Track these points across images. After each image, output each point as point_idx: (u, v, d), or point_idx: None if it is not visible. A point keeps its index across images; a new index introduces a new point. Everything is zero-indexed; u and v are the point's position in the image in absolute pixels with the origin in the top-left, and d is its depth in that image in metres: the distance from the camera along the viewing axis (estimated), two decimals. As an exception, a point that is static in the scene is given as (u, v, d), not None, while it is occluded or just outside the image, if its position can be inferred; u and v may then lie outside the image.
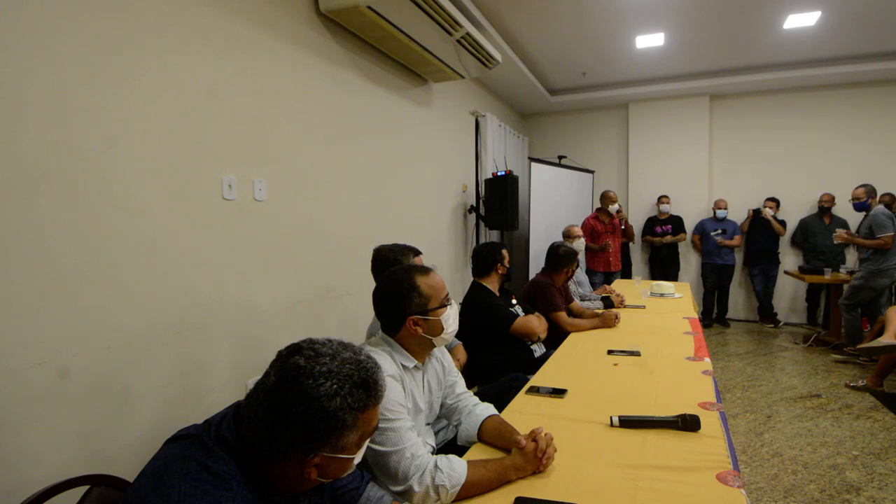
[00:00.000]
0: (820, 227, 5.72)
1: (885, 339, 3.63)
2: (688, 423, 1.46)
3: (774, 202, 5.89)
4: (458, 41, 3.41)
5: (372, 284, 2.11)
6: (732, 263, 5.99)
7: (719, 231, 5.96)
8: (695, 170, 6.44)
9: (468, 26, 3.34)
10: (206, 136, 2.08)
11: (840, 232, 4.60)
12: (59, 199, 1.57)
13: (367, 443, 0.92)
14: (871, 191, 4.47)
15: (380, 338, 1.44)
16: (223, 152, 2.17)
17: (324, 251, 2.82)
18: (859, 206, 4.52)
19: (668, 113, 6.49)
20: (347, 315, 2.92)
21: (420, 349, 1.44)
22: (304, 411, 0.80)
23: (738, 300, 6.31)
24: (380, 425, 1.20)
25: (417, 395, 1.42)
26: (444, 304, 1.43)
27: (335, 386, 0.82)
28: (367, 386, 0.86)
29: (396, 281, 1.41)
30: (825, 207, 5.68)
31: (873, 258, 4.27)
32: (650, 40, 4.82)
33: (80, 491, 1.11)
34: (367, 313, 2.19)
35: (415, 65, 3.62)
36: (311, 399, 0.81)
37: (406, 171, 3.77)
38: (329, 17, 2.79)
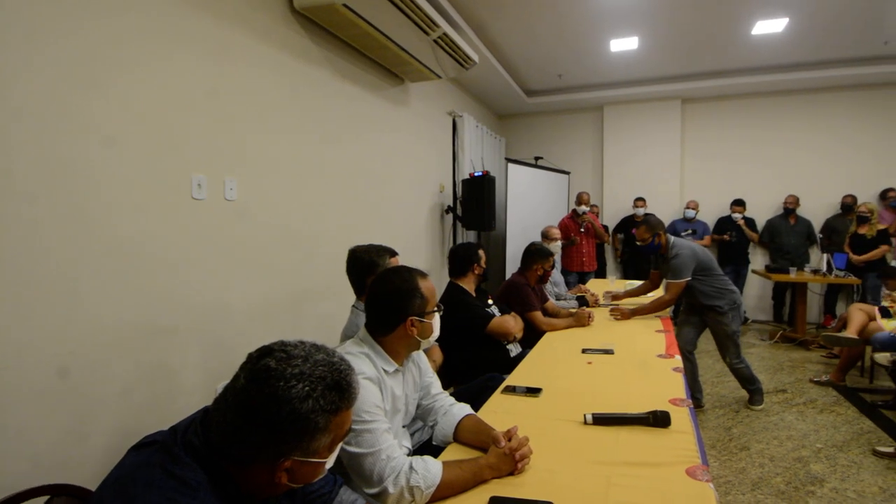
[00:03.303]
0: (785, 227, 5.91)
1: (846, 334, 3.78)
2: (658, 420, 1.49)
3: (741, 205, 6.07)
4: (436, 41, 3.41)
5: (347, 286, 2.11)
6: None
7: (690, 231, 6.10)
8: (667, 171, 6.59)
9: (445, 26, 3.34)
10: (176, 134, 2.03)
11: None
12: (20, 198, 1.51)
13: (339, 446, 0.91)
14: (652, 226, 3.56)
15: (360, 339, 1.43)
16: (193, 151, 2.12)
17: (298, 252, 2.78)
18: None
19: (641, 115, 6.62)
20: (323, 317, 2.88)
21: (405, 351, 1.45)
22: (274, 414, 0.79)
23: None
24: (355, 427, 1.19)
25: (396, 396, 1.42)
26: (435, 309, 1.45)
27: (307, 388, 0.81)
28: (340, 388, 0.85)
29: (402, 279, 1.41)
30: (790, 209, 5.88)
31: None
32: (624, 44, 4.91)
33: (40, 502, 1.07)
34: (342, 315, 2.16)
35: (392, 64, 3.60)
36: (282, 401, 0.79)
37: (383, 170, 3.75)
38: (304, 14, 2.76)
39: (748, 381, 3.40)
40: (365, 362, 1.33)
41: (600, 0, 3.95)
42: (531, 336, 2.82)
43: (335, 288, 2.97)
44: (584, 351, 2.40)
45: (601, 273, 6.35)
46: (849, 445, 2.87)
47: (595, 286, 4.62)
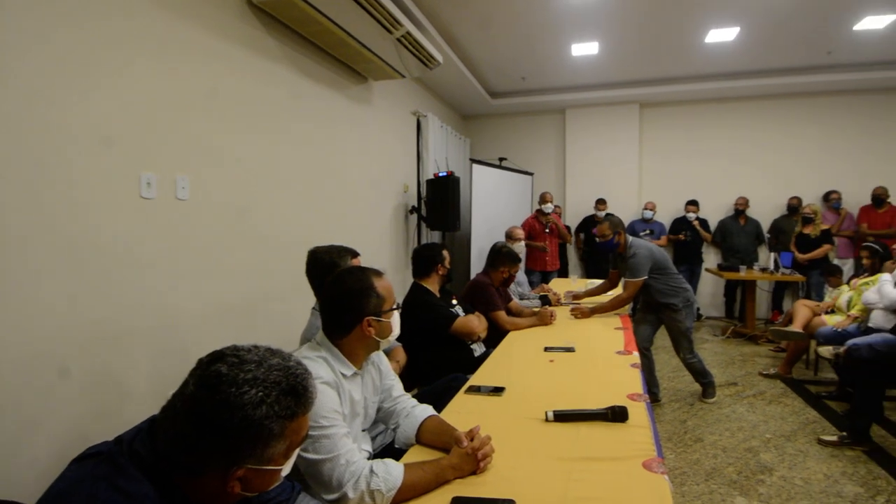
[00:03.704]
0: (736, 227, 6.18)
1: (792, 328, 3.99)
2: (617, 415, 1.53)
3: (695, 205, 6.31)
4: (399, 40, 3.38)
5: (307, 288, 2.06)
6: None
7: (647, 231, 6.30)
8: (626, 173, 6.78)
9: (409, 25, 3.32)
10: (123, 130, 1.94)
11: None
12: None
13: (296, 453, 0.88)
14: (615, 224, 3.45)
15: (317, 343, 1.39)
16: (142, 148, 2.02)
17: (255, 253, 2.70)
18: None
19: (602, 119, 6.79)
20: (281, 320, 2.80)
21: (364, 352, 1.42)
22: (226, 421, 0.76)
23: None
24: (313, 433, 1.17)
25: (355, 400, 1.39)
26: (394, 308, 1.43)
27: (261, 394, 0.78)
28: (295, 393, 0.82)
29: (355, 280, 1.38)
30: (740, 210, 6.16)
31: None
32: (585, 48, 5.02)
33: (-31, 521, 0.99)
34: (302, 318, 2.11)
35: (354, 62, 3.55)
36: (234, 408, 0.76)
37: (345, 169, 3.69)
38: (262, 8, 2.69)
39: (701, 375, 3.53)
40: (322, 366, 1.30)
41: (562, 5, 4.02)
42: (495, 335, 2.84)
43: (294, 290, 2.90)
44: (546, 349, 2.43)
45: (563, 272, 6.47)
46: (796, 435, 3.02)
47: (557, 285, 4.70)
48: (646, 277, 3.26)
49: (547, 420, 1.56)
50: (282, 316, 2.81)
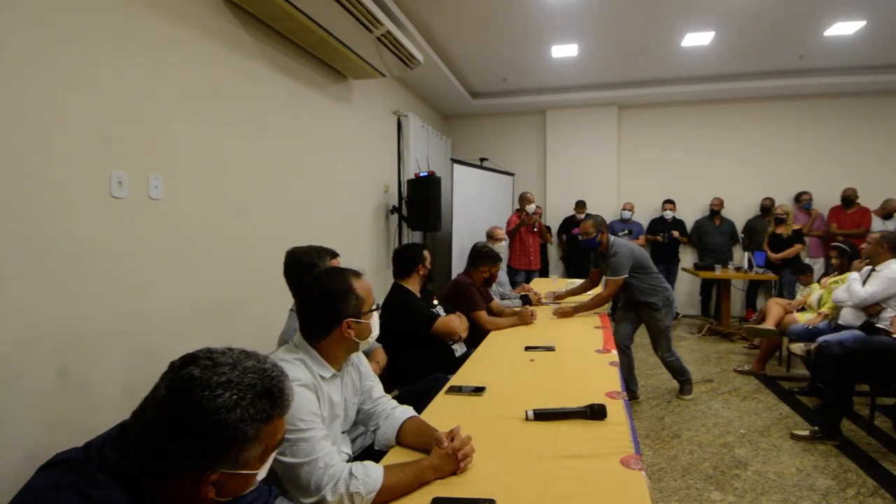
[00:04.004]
0: (711, 227, 6.32)
1: (765, 326, 4.09)
2: (595, 413, 1.54)
3: (671, 203, 6.43)
4: (379, 39, 3.36)
5: (285, 290, 2.03)
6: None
7: (626, 232, 6.39)
8: (605, 174, 6.87)
9: (389, 24, 3.31)
10: (94, 127, 1.88)
11: None
12: None
13: (272, 456, 0.86)
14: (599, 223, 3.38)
15: (294, 345, 1.37)
16: (113, 146, 1.96)
17: (231, 254, 2.65)
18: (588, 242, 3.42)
19: (581, 120, 6.86)
20: (258, 323, 2.75)
21: (343, 354, 1.40)
22: (199, 425, 0.74)
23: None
24: (291, 437, 1.15)
25: (335, 401, 1.37)
26: (373, 309, 1.41)
27: (235, 397, 0.76)
28: (271, 396, 0.81)
29: (333, 281, 1.36)
30: (715, 210, 6.29)
31: None
32: (565, 50, 5.07)
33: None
34: (279, 320, 2.08)
35: (333, 60, 3.52)
36: (207, 412, 0.74)
37: (324, 169, 3.65)
38: (238, 4, 2.64)
39: (678, 372, 3.59)
40: (300, 368, 1.28)
41: (542, 7, 4.05)
42: (476, 335, 2.84)
43: (272, 291, 2.85)
44: (527, 349, 2.44)
45: (544, 272, 6.52)
46: (769, 430, 3.09)
47: (538, 285, 4.73)
48: (626, 276, 3.30)
49: (527, 419, 1.56)
50: (259, 318, 2.76)
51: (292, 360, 1.30)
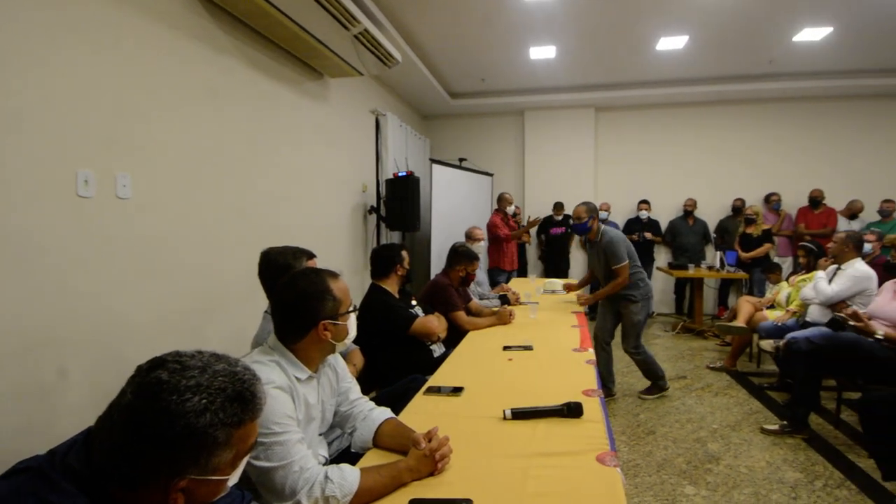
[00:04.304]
0: (685, 227, 6.45)
1: (736, 323, 4.19)
2: (572, 410, 1.55)
3: (646, 203, 6.56)
4: (356, 37, 3.34)
5: (260, 291, 2.00)
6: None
7: (603, 231, 6.47)
8: (582, 174, 6.96)
9: (366, 23, 3.28)
10: (59, 124, 1.82)
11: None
12: None
13: (244, 461, 0.84)
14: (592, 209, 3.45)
15: (269, 347, 1.35)
16: (79, 143, 1.90)
17: (204, 255, 2.59)
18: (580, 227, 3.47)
19: (559, 121, 6.93)
20: (231, 325, 2.70)
21: (320, 356, 1.38)
22: (167, 430, 0.72)
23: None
24: (265, 440, 1.13)
25: (310, 404, 1.35)
26: (350, 310, 1.39)
27: (205, 401, 0.74)
28: (242, 399, 0.79)
29: (310, 283, 1.34)
30: (689, 210, 6.43)
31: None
32: (543, 52, 5.11)
33: None
34: (253, 323, 2.04)
35: (309, 58, 3.48)
36: (175, 416, 0.72)
37: (300, 168, 3.61)
38: (211, 0, 2.59)
39: (647, 371, 3.64)
40: (275, 370, 1.26)
41: (520, 8, 4.07)
42: (455, 336, 2.84)
43: (246, 293, 2.80)
44: (505, 348, 2.45)
45: (522, 272, 6.56)
46: (740, 425, 3.17)
47: (517, 285, 4.76)
48: (628, 262, 3.36)
49: (505, 418, 1.57)
50: (232, 320, 2.71)
51: (267, 361, 1.28)
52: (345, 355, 2.17)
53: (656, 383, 3.64)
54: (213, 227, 2.66)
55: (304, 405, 1.31)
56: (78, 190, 1.89)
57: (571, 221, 3.52)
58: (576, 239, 6.85)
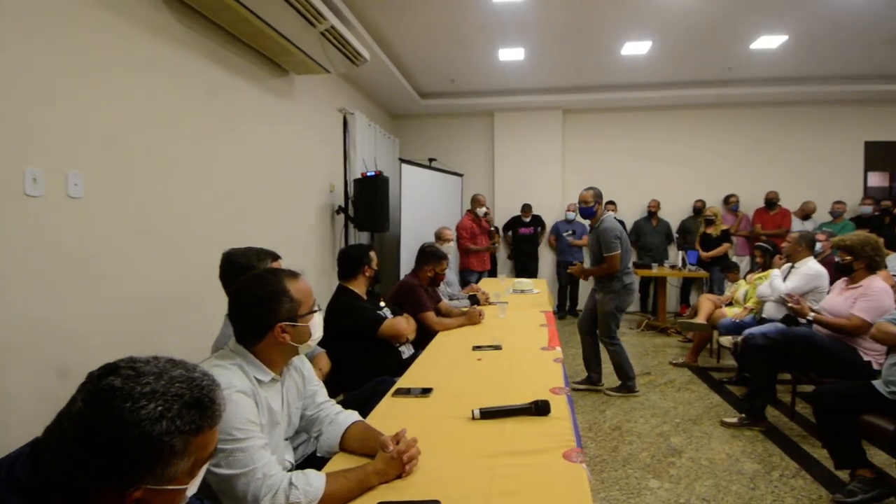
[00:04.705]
0: (649, 228, 6.63)
1: (697, 320, 4.32)
2: (540, 409, 1.57)
3: (613, 204, 6.70)
4: (323, 34, 3.28)
5: (221, 294, 1.93)
6: (581, 261, 6.65)
7: (570, 232, 6.59)
8: (550, 175, 7.06)
9: (333, 20, 3.23)
10: (3, 118, 1.72)
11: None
12: None
13: (203, 470, 0.81)
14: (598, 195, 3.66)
15: (230, 350, 1.30)
16: (27, 139, 1.80)
17: (162, 257, 2.50)
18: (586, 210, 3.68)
19: (528, 123, 7.01)
20: (191, 330, 2.59)
21: (282, 358, 1.34)
22: (120, 439, 0.68)
23: (587, 293, 6.98)
24: (226, 447, 1.09)
25: (274, 408, 1.31)
26: (312, 311, 1.35)
27: (160, 408, 0.71)
28: (201, 406, 0.76)
29: (265, 284, 1.29)
30: (652, 211, 6.61)
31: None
32: (512, 54, 5.16)
33: None
34: (213, 327, 1.98)
35: (274, 54, 3.40)
36: (128, 424, 0.69)
37: (264, 166, 3.52)
38: (170, -8, 2.50)
39: (619, 369, 3.70)
40: (236, 374, 1.22)
41: (489, 9, 4.09)
42: (424, 337, 2.83)
43: (206, 296, 2.71)
44: (474, 348, 2.46)
45: (493, 272, 6.61)
46: (701, 419, 3.27)
47: (487, 285, 4.78)
48: (619, 252, 3.47)
49: (474, 418, 1.57)
50: (192, 324, 2.61)
51: (228, 365, 1.24)
52: (311, 358, 2.13)
53: (625, 383, 3.70)
54: (172, 227, 2.57)
55: (266, 409, 1.27)
56: (26, 188, 1.79)
57: (579, 205, 3.66)
58: (545, 239, 6.94)
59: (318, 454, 1.44)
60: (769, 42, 4.83)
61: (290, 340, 1.30)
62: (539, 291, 4.40)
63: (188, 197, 2.71)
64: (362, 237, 5.23)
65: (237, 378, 1.21)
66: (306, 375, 1.49)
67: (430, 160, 6.79)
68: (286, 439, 1.43)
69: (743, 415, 3.13)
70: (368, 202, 4.69)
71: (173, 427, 0.72)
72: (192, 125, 2.74)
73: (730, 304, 4.51)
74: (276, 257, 2.00)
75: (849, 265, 2.90)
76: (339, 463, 1.33)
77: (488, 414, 1.58)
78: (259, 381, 1.27)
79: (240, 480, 1.09)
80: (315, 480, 1.15)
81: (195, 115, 2.77)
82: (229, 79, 3.10)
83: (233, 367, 1.24)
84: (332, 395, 1.59)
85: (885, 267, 3.87)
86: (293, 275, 1.35)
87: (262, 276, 1.33)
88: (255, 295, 1.28)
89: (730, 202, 6.57)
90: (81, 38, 2.04)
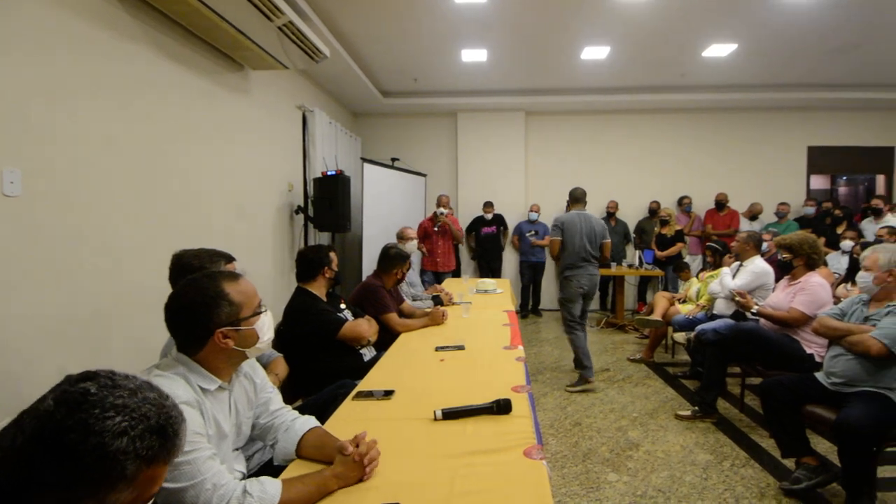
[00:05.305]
0: (608, 228, 6.78)
1: (653, 317, 4.46)
2: (501, 408, 1.57)
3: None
4: (281, 28, 3.20)
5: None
6: (544, 261, 6.77)
7: (533, 232, 6.68)
8: (513, 176, 7.14)
9: (291, 14, 3.16)
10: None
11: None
12: None
13: None
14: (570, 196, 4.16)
15: (172, 359, 1.23)
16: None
17: (106, 259, 2.37)
18: None
19: (491, 124, 7.06)
20: (139, 334, 2.48)
21: (228, 365, 1.28)
22: (76, 444, 0.65)
23: (550, 293, 7.14)
24: (171, 460, 1.03)
25: (221, 419, 1.25)
26: (257, 312, 1.28)
27: (125, 423, 0.67)
28: (164, 434, 0.72)
29: (200, 289, 1.22)
30: (611, 212, 6.79)
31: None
32: (474, 55, 5.18)
33: None
34: (164, 332, 1.88)
35: (229, 48, 3.28)
36: (89, 431, 0.65)
37: (218, 164, 3.39)
38: (115, -21, 2.37)
39: (575, 358, 3.84)
40: (179, 384, 1.15)
41: (450, 9, 4.09)
42: (387, 338, 2.79)
43: (156, 300, 2.59)
44: (437, 349, 2.44)
45: (458, 272, 6.61)
46: (657, 412, 3.37)
47: (450, 285, 4.78)
48: (556, 238, 3.90)
49: (436, 419, 1.56)
50: (140, 329, 2.49)
51: (170, 375, 1.17)
52: (266, 364, 2.06)
53: (581, 373, 3.81)
54: (117, 228, 2.44)
55: (213, 421, 1.21)
56: (-50, 184, 1.65)
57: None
58: (508, 238, 7.00)
59: (275, 462, 1.39)
60: (720, 50, 5.04)
61: (235, 345, 1.23)
62: (502, 291, 4.42)
63: (135, 195, 2.58)
64: (323, 238, 5.14)
65: (181, 388, 1.14)
66: (258, 383, 1.42)
67: (393, 160, 6.74)
68: (237, 449, 1.37)
69: (696, 408, 3.25)
70: (329, 202, 4.60)
71: (132, 447, 0.68)
72: (139, 120, 2.61)
73: (683, 301, 4.68)
74: (230, 259, 1.93)
75: (790, 263, 3.06)
76: (296, 470, 1.29)
77: (450, 414, 1.57)
78: (204, 390, 1.21)
79: (188, 493, 1.04)
80: (270, 487, 1.11)
81: (143, 109, 2.63)
82: (180, 72, 2.97)
83: (175, 376, 1.17)
84: (290, 400, 1.54)
85: (825, 264, 4.10)
86: (233, 276, 1.29)
87: (197, 281, 1.25)
88: (189, 301, 1.21)
89: (683, 203, 6.82)
90: (17, 28, 1.90)
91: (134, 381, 0.74)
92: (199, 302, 1.20)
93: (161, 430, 0.72)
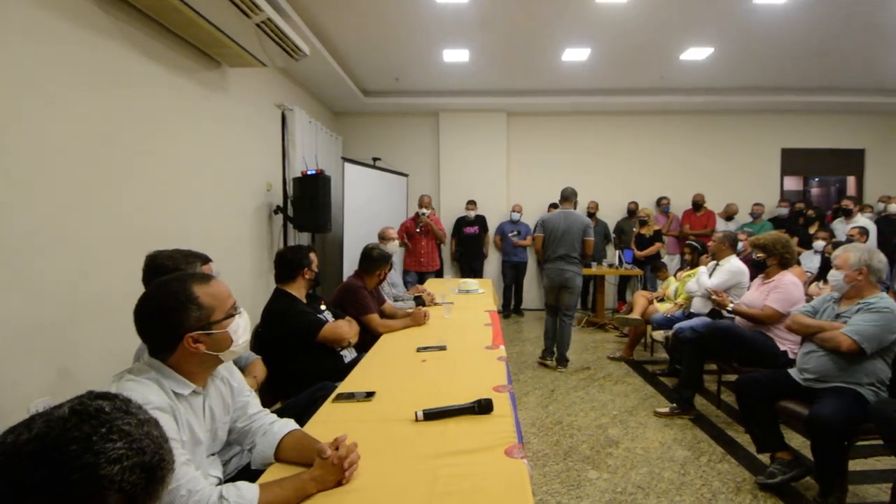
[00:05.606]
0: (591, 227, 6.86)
1: (633, 316, 4.52)
2: (482, 407, 1.57)
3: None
4: (259, 26, 3.16)
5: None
6: (526, 261, 6.81)
7: (515, 232, 6.71)
8: (495, 177, 7.17)
9: (270, 11, 3.12)
10: None
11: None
12: None
13: None
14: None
15: (145, 363, 1.20)
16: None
17: (76, 260, 2.30)
18: None
19: (473, 124, 7.08)
20: (111, 338, 2.41)
21: (202, 369, 1.24)
22: (71, 457, 0.64)
23: (532, 292, 7.18)
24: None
25: (195, 424, 1.22)
26: (230, 314, 1.25)
27: (122, 451, 0.67)
28: (152, 475, 0.71)
29: (168, 293, 1.18)
30: (591, 213, 6.86)
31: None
32: (456, 55, 5.18)
33: None
34: (137, 337, 1.83)
35: (206, 45, 3.22)
36: (89, 449, 0.65)
37: (194, 163, 3.31)
38: (85, -28, 2.30)
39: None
40: (152, 389, 1.12)
41: (432, 9, 4.08)
42: (369, 339, 2.77)
43: (128, 302, 2.54)
44: (419, 349, 2.43)
45: (441, 273, 6.61)
46: (637, 410, 3.41)
47: (432, 286, 4.77)
48: (540, 235, 4.27)
49: (417, 420, 1.55)
50: (112, 333, 2.41)
51: (143, 380, 1.13)
52: (244, 366, 2.03)
53: (560, 356, 4.34)
54: (87, 228, 2.36)
55: (187, 426, 1.18)
56: None
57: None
58: (490, 239, 7.02)
59: (253, 467, 1.36)
60: (697, 54, 5.14)
61: (207, 350, 1.20)
62: (484, 291, 4.43)
63: (109, 194, 2.51)
64: (302, 238, 5.07)
65: (154, 394, 1.11)
66: (235, 387, 1.39)
67: (375, 159, 6.70)
68: (213, 454, 1.34)
69: (674, 404, 3.30)
70: (309, 202, 4.55)
71: (121, 477, 0.67)
72: (113, 118, 2.54)
73: (661, 300, 4.75)
74: (206, 260, 1.89)
75: (764, 262, 3.13)
76: (275, 474, 1.26)
77: (432, 415, 1.56)
78: (178, 394, 1.18)
79: (162, 501, 1.01)
80: (247, 492, 1.09)
81: (114, 106, 2.56)
82: (153, 68, 2.89)
83: (148, 381, 1.13)
84: (269, 404, 1.51)
85: (798, 263, 4.21)
86: (204, 278, 1.25)
87: (166, 284, 1.21)
88: (157, 305, 1.17)
89: (662, 204, 6.93)
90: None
91: (144, 413, 0.75)
92: (166, 306, 1.17)
93: (151, 469, 0.71)
